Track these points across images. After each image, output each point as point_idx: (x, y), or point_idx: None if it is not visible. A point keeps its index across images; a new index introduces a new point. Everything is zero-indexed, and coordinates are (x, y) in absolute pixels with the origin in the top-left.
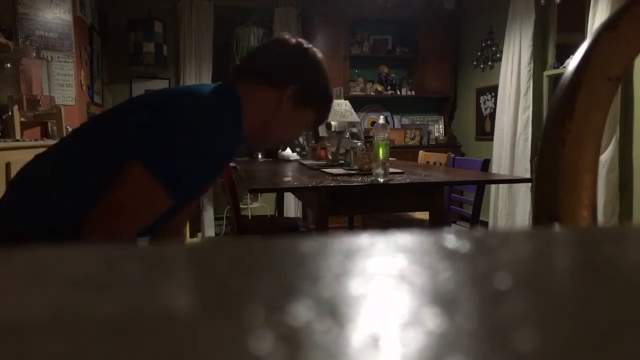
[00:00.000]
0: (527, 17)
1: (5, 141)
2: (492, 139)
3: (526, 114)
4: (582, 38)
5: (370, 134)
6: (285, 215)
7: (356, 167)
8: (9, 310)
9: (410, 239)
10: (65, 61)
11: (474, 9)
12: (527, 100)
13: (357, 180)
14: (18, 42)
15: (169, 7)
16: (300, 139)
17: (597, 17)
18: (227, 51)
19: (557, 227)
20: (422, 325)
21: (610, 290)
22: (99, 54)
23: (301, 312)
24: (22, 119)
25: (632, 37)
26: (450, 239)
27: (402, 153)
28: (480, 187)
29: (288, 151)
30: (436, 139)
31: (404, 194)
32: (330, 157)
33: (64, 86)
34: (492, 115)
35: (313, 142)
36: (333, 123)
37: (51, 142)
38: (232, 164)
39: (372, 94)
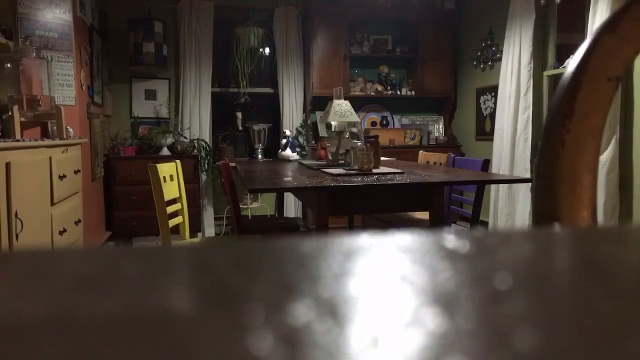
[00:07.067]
0: (527, 17)
1: (5, 141)
2: (492, 139)
3: (526, 114)
4: (582, 38)
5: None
6: (285, 215)
7: (356, 167)
8: (9, 310)
9: (410, 239)
10: (65, 61)
11: (474, 9)
12: (527, 100)
13: (357, 180)
14: (18, 42)
15: (169, 7)
16: (300, 139)
17: (597, 17)
18: (227, 51)
19: (557, 227)
20: (422, 325)
21: (610, 290)
22: (99, 54)
23: (301, 312)
24: (22, 119)
25: (632, 37)
26: (450, 239)
27: (402, 153)
28: (480, 187)
29: (288, 151)
30: (436, 139)
31: (404, 194)
32: (330, 157)
33: (64, 86)
34: (492, 115)
35: (313, 142)
36: (333, 123)
37: (51, 142)
38: (232, 164)
39: (372, 94)
